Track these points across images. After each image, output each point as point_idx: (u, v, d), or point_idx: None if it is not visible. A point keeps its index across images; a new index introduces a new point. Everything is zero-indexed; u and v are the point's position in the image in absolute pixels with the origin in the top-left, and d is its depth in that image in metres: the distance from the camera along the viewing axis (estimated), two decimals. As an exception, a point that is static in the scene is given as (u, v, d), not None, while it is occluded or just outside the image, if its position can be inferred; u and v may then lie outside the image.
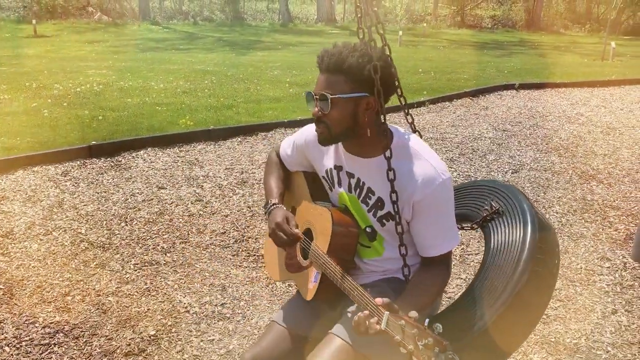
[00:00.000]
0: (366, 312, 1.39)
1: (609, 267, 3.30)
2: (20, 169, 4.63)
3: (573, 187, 4.59)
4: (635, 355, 2.52)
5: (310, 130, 1.77)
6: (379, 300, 1.37)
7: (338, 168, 1.69)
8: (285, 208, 1.75)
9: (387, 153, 1.54)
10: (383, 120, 1.58)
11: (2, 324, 2.66)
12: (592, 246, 3.55)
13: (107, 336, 2.61)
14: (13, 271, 3.11)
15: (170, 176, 4.66)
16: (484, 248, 3.40)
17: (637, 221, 3.88)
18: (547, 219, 1.74)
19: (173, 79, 8.93)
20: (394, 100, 1.71)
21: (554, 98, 8.40)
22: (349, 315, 1.62)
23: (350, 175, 1.66)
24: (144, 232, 3.62)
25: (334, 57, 1.51)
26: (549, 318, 2.79)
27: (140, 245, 3.46)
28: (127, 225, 3.72)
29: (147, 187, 4.40)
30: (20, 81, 8.26)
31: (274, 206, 1.76)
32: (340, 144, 1.67)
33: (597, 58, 13.26)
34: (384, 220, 1.62)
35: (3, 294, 2.89)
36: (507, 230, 1.69)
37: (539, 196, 4.37)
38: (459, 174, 4.86)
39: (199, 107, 6.93)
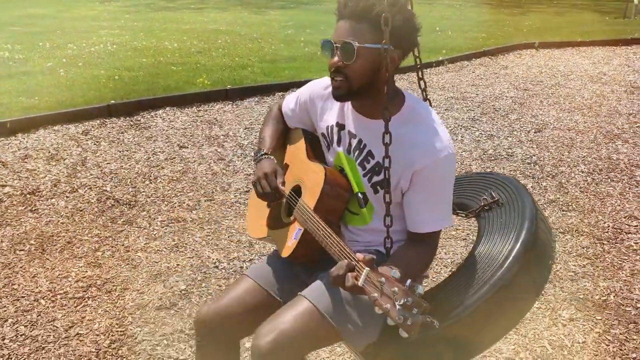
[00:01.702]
0: (345, 262, 1.32)
1: (636, 226, 3.27)
2: (41, 128, 4.63)
3: (598, 146, 4.53)
4: (665, 311, 2.52)
5: (316, 84, 1.68)
6: (360, 255, 1.30)
7: (340, 126, 1.60)
8: (274, 160, 1.67)
9: (387, 115, 1.43)
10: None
11: (36, 277, 2.70)
12: (619, 205, 3.52)
13: (138, 290, 2.64)
14: (43, 227, 3.14)
15: (191, 135, 4.64)
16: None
17: (664, 180, 3.84)
18: (546, 217, 1.65)
19: (187, 39, 8.81)
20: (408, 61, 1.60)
21: (575, 57, 8.22)
22: (323, 280, 1.53)
23: (352, 136, 1.57)
24: (168, 190, 3.64)
25: (361, 3, 1.39)
26: (577, 275, 2.79)
27: (165, 202, 3.47)
28: (151, 183, 3.73)
29: (168, 146, 4.39)
30: (34, 41, 8.19)
31: (265, 156, 1.67)
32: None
33: (619, 16, 12.89)
34: (377, 187, 1.53)
35: (35, 249, 2.93)
36: (503, 223, 1.59)
37: (563, 155, 4.31)
38: (481, 133, 4.80)
39: (214, 67, 6.86)
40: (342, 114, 1.59)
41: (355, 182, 1.57)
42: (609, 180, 3.89)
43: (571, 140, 4.67)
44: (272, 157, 1.67)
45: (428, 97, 1.74)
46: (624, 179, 3.90)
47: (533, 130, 4.91)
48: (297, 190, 1.66)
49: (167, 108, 5.27)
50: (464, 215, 1.78)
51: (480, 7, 15.23)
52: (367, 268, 1.27)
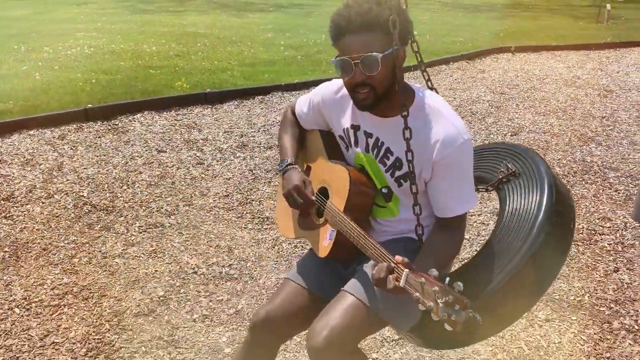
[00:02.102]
0: (385, 264, 1.38)
1: (609, 227, 3.34)
2: (16, 133, 4.56)
3: (572, 149, 4.61)
4: (638, 311, 2.57)
5: (327, 87, 1.72)
6: (398, 258, 1.36)
7: (355, 127, 1.65)
8: (300, 169, 1.72)
9: (405, 112, 1.50)
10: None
11: (10, 285, 2.66)
12: (593, 207, 3.59)
13: (116, 297, 2.62)
14: (17, 234, 3.09)
15: (169, 140, 4.61)
16: (485, 210, 3.42)
17: (636, 182, 3.92)
18: (564, 182, 1.72)
19: (165, 42, 8.74)
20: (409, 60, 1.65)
21: (550, 61, 8.36)
22: (365, 270, 1.61)
23: (369, 135, 1.63)
24: (146, 195, 3.60)
25: (368, 14, 1.42)
26: (552, 276, 2.83)
27: (143, 207, 3.44)
28: (129, 188, 3.70)
29: (146, 150, 4.35)
30: (9, 44, 8.05)
31: (290, 166, 1.73)
32: None
33: (592, 21, 13.15)
34: (401, 181, 1.60)
35: (9, 257, 2.88)
36: (523, 192, 1.67)
37: (538, 158, 4.38)
38: (458, 137, 4.85)
39: (193, 70, 6.81)
40: (355, 115, 1.64)
41: (376, 178, 1.64)
42: (583, 182, 3.97)
43: (546, 143, 4.74)
44: (297, 167, 1.72)
45: (433, 86, 1.79)
46: (597, 181, 3.98)
47: (509, 134, 4.98)
48: (323, 192, 1.73)
49: (146, 112, 5.23)
50: (484, 189, 1.83)
51: (457, 12, 15.41)
52: (406, 270, 1.33)
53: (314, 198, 1.67)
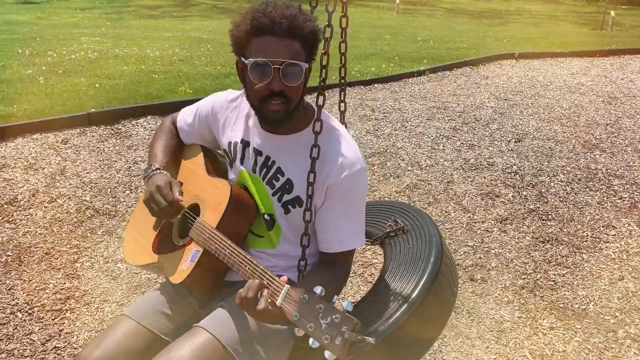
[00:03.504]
0: (257, 281, 1.18)
1: (614, 235, 3.32)
2: (20, 137, 4.56)
3: (577, 156, 4.60)
4: (643, 319, 2.55)
5: (220, 96, 1.59)
6: (284, 277, 1.19)
7: (245, 143, 1.49)
8: (169, 175, 1.50)
9: (317, 127, 1.36)
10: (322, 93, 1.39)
11: (12, 290, 2.65)
12: (598, 214, 3.57)
13: (118, 302, 2.61)
14: (20, 238, 3.08)
15: (172, 144, 4.60)
16: (489, 217, 3.38)
17: (641, 190, 3.91)
18: (447, 246, 1.63)
19: (168, 47, 8.77)
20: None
21: (554, 68, 8.35)
22: (224, 308, 1.39)
23: (258, 153, 1.46)
24: (149, 200, 3.60)
25: (295, 21, 1.31)
26: (556, 284, 2.82)
27: (146, 212, 3.44)
28: (132, 192, 3.69)
29: (149, 155, 4.35)
30: (12, 48, 8.08)
31: (157, 171, 1.50)
32: (251, 117, 1.49)
33: (596, 27, 13.15)
34: (289, 206, 1.43)
35: (12, 261, 2.87)
36: (410, 249, 1.56)
37: (542, 165, 4.37)
38: (462, 143, 4.85)
39: (197, 76, 6.83)
40: (247, 131, 1.50)
41: (261, 202, 1.46)
42: (588, 189, 3.95)
43: (550, 150, 4.73)
44: (165, 172, 1.50)
45: (345, 120, 1.64)
46: (602, 189, 3.96)
47: (513, 140, 4.96)
48: (194, 210, 1.51)
49: (149, 116, 5.23)
50: (369, 242, 1.70)
51: (461, 18, 15.43)
52: (287, 285, 1.15)
53: (179, 198, 1.42)
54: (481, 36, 11.14)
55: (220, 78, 6.75)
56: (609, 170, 4.28)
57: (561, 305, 2.65)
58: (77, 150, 4.38)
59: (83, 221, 3.30)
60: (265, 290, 1.18)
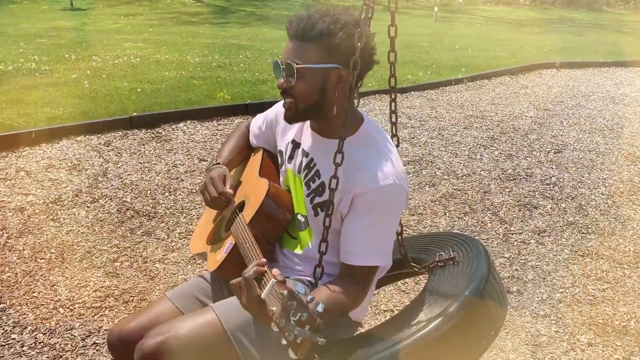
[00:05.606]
0: (251, 273, 1.19)
1: (658, 250, 3.22)
2: (65, 139, 4.72)
3: (619, 168, 4.48)
4: (687, 339, 2.46)
5: (282, 103, 1.62)
6: (275, 270, 1.18)
7: (296, 144, 1.56)
8: (226, 169, 1.62)
9: (342, 134, 1.34)
10: (356, 97, 1.43)
11: (55, 286, 2.74)
12: (641, 229, 3.47)
13: (155, 302, 2.66)
14: (63, 236, 3.19)
15: (211, 149, 4.69)
16: (527, 228, 3.34)
17: (687, 204, 3.78)
18: (504, 289, 1.50)
19: (208, 53, 8.93)
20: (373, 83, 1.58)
21: (596, 77, 8.16)
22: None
23: (305, 154, 1.51)
24: (187, 202, 3.67)
25: (303, 23, 1.36)
26: (596, 299, 2.75)
27: (184, 214, 3.51)
28: (170, 195, 3.78)
29: (188, 158, 4.44)
30: (59, 53, 8.37)
31: (217, 165, 1.63)
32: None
33: (641, 37, 12.79)
34: (318, 209, 1.45)
35: (55, 258, 2.97)
36: (450, 281, 1.47)
37: (583, 177, 4.27)
38: (500, 153, 4.78)
39: (235, 82, 6.93)
40: (300, 132, 1.56)
41: (298, 203, 1.50)
42: (631, 203, 3.84)
43: (591, 161, 4.62)
44: (224, 167, 1.62)
45: (397, 133, 1.60)
46: (645, 203, 3.85)
47: (553, 151, 4.87)
48: (242, 206, 1.59)
49: (188, 121, 5.34)
50: (417, 269, 1.65)
51: (500, 26, 15.22)
52: (273, 279, 1.13)
53: (229, 191, 1.53)
54: (521, 45, 10.97)
55: (257, 84, 6.84)
56: (653, 184, 4.16)
57: (601, 321, 2.58)
58: (118, 153, 4.50)
59: (123, 222, 3.39)
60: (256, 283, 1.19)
